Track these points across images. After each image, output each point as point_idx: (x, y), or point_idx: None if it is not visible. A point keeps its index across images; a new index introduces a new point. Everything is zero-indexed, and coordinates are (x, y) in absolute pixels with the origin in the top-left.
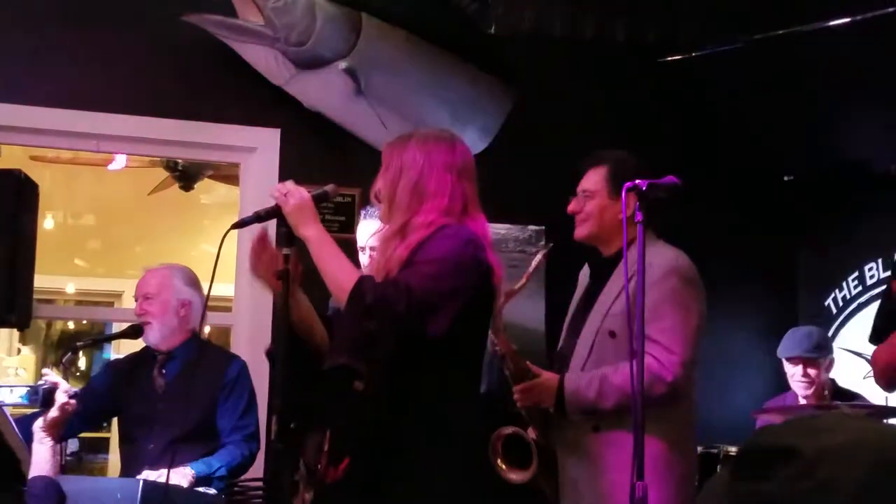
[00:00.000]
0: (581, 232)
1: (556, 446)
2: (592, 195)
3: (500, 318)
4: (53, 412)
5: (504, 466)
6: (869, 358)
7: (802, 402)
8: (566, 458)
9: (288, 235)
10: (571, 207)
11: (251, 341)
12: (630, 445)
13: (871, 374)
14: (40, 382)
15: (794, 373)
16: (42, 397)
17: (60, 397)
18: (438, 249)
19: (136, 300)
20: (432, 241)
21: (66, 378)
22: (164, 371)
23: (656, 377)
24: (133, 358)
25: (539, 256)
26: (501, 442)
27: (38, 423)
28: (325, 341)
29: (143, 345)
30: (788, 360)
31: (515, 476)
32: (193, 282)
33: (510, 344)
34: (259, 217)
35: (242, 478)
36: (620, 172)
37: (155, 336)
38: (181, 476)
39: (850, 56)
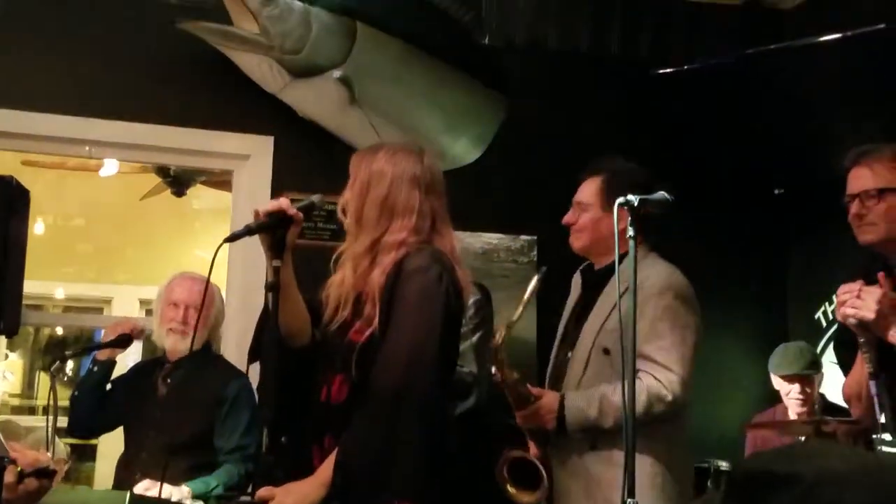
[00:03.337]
0: (576, 244)
1: (552, 462)
2: (586, 207)
3: (502, 352)
4: (5, 493)
5: (514, 490)
6: None
7: (794, 417)
8: (563, 475)
9: (277, 246)
10: (567, 218)
11: (239, 347)
12: None
13: None
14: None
15: (789, 390)
16: None
17: (8, 478)
18: (413, 302)
19: (172, 305)
20: (406, 284)
21: (53, 387)
22: (168, 380)
23: (657, 397)
24: (150, 362)
25: (534, 283)
26: (507, 466)
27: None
28: (309, 331)
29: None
30: (784, 377)
31: (528, 499)
32: (222, 298)
33: (512, 374)
34: (250, 230)
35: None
36: (614, 185)
37: (186, 346)
38: (178, 494)
39: (839, 71)
